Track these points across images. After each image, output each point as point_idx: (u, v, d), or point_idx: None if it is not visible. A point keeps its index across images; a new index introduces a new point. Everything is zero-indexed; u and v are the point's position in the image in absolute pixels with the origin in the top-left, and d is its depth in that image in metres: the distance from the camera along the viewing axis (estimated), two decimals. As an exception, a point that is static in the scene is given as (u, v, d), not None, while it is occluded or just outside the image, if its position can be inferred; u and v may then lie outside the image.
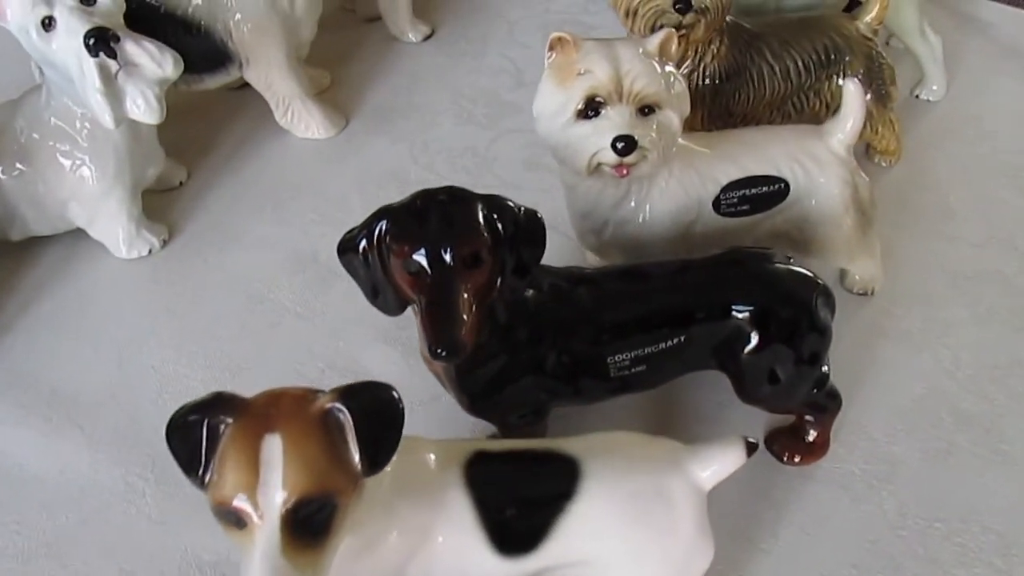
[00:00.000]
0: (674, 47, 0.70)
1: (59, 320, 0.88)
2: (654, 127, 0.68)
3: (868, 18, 0.91)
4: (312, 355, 0.84)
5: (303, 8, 0.98)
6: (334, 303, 0.89)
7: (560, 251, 0.88)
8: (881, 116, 0.95)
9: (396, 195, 0.94)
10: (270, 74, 1.00)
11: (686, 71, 0.88)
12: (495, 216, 0.58)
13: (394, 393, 0.49)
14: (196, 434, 0.47)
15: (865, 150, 0.99)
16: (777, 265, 0.68)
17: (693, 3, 0.81)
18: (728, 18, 0.87)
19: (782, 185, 0.78)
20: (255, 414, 0.47)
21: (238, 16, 0.95)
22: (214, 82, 1.01)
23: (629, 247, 0.78)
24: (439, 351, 0.57)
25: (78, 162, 0.87)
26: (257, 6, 0.95)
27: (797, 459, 0.74)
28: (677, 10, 0.81)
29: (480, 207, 0.58)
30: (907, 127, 1.02)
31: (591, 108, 0.68)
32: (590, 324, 0.65)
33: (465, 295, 0.56)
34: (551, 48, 0.70)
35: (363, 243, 0.58)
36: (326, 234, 0.94)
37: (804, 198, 0.79)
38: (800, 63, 0.90)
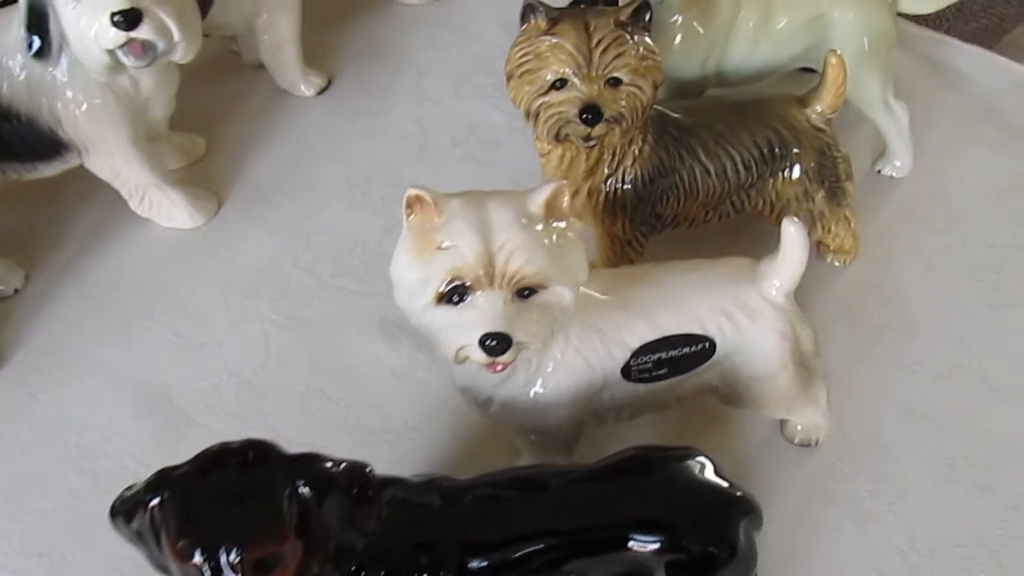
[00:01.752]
0: (566, 202, 0.56)
1: None
2: (535, 314, 0.54)
3: (820, 107, 0.77)
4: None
5: (151, 86, 0.81)
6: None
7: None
8: (834, 215, 0.81)
9: (269, 309, 0.82)
10: (115, 163, 0.83)
11: (604, 175, 0.74)
12: (303, 488, 0.44)
13: None
14: None
15: (816, 247, 0.86)
16: (692, 477, 0.56)
17: (605, 113, 0.66)
18: (655, 107, 0.73)
19: (707, 344, 0.64)
20: None
21: (68, 97, 0.78)
22: (51, 170, 0.84)
23: (522, 421, 0.65)
24: None
25: None
26: (89, 87, 0.78)
27: None
28: (584, 121, 0.66)
29: (283, 480, 0.44)
30: (866, 209, 0.88)
31: (456, 293, 0.53)
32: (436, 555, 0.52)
33: None
34: (408, 206, 0.55)
35: (136, 521, 0.45)
36: (181, 365, 0.79)
37: (734, 354, 0.65)
38: (739, 161, 0.76)
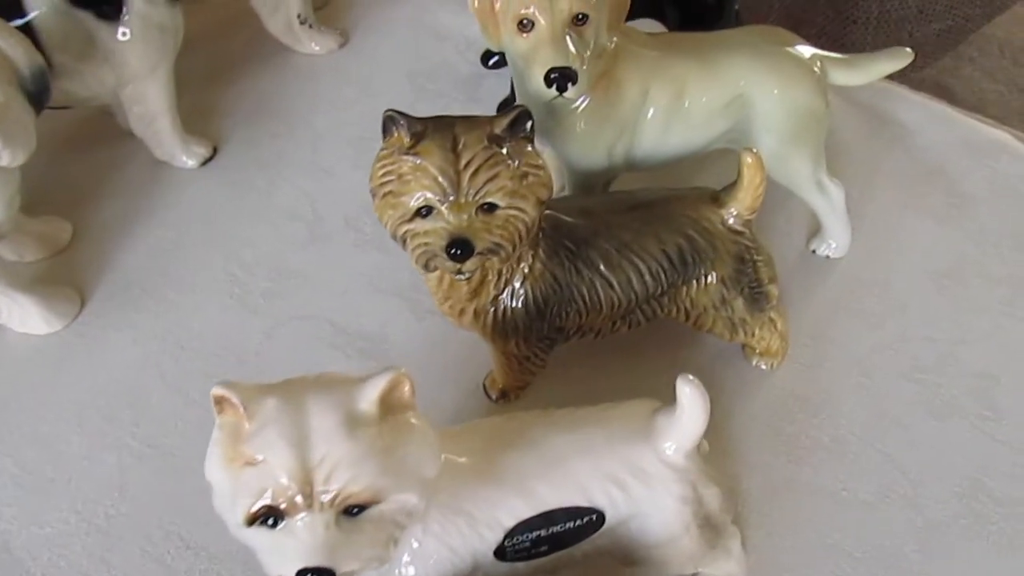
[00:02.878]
0: (407, 392, 0.47)
1: None
2: (368, 535, 0.45)
3: (736, 208, 0.69)
4: None
5: (-19, 189, 0.72)
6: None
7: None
8: (757, 320, 0.73)
9: (128, 435, 0.74)
10: (-54, 274, 0.74)
11: (490, 296, 0.66)
12: None
13: None
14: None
15: (741, 349, 0.78)
16: None
17: (476, 246, 0.57)
18: (547, 212, 0.65)
19: (594, 517, 0.56)
20: None
21: None
22: None
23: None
24: None
25: None
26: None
27: None
28: (453, 257, 0.58)
29: None
30: (799, 295, 0.81)
31: (270, 516, 0.44)
32: None
33: None
34: (216, 403, 0.47)
35: None
36: (25, 507, 0.70)
37: (629, 520, 0.57)
38: (646, 271, 0.68)
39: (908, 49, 0.78)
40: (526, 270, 0.64)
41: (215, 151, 0.94)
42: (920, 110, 0.98)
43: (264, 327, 0.80)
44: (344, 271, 0.84)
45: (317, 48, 1.03)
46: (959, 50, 2.24)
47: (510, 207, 0.58)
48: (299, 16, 0.99)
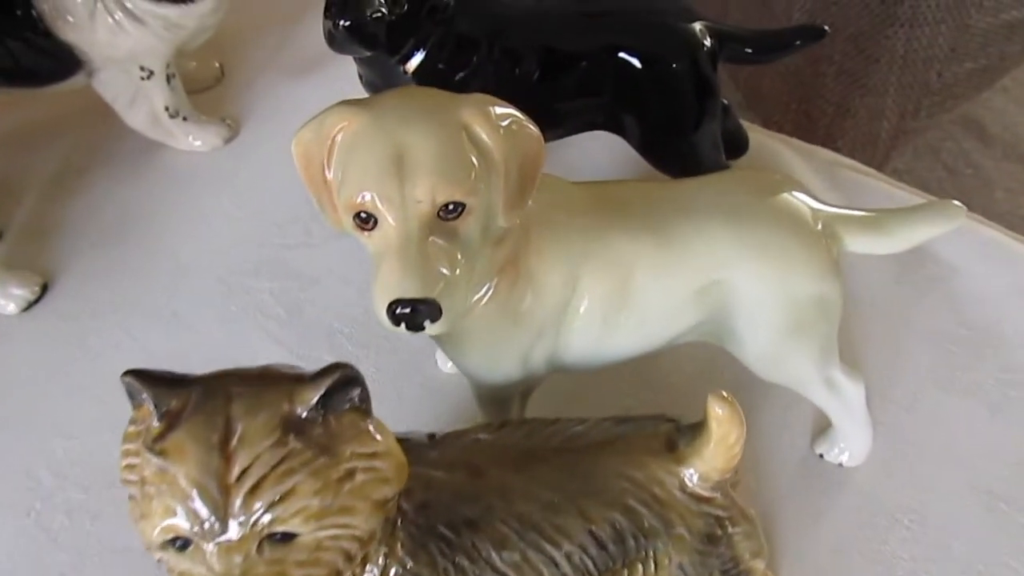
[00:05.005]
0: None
1: None
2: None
3: (704, 467, 0.47)
4: None
5: None
6: None
7: None
8: (734, 604, 0.52)
9: None
10: None
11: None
12: None
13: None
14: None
15: (714, 622, 0.56)
16: None
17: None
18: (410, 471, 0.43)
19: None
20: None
21: None
22: None
23: None
24: None
25: None
26: None
27: None
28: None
29: None
30: (793, 527, 0.59)
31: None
32: None
33: None
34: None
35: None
36: None
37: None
38: (565, 563, 0.46)
39: (958, 203, 0.55)
40: (385, 554, 0.43)
41: (44, 290, 0.73)
42: (969, 241, 0.75)
43: (64, 564, 0.59)
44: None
45: (197, 144, 0.82)
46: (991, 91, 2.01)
47: (321, 529, 0.37)
48: (167, 108, 0.78)
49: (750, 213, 0.51)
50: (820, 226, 0.52)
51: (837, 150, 1.75)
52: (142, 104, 0.77)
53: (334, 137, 0.41)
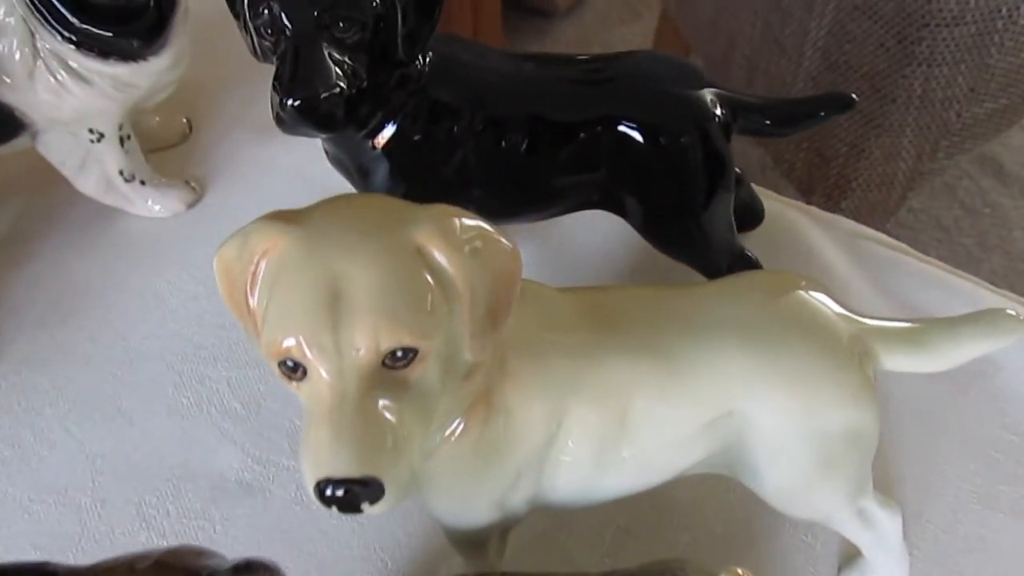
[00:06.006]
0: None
1: None
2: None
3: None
4: None
5: None
6: None
7: None
8: None
9: None
10: None
11: None
12: None
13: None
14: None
15: None
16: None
17: None
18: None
19: None
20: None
21: None
22: None
23: None
24: None
25: None
26: None
27: None
28: None
29: None
30: None
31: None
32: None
33: None
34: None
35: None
36: None
37: None
38: None
39: (1011, 311, 0.48)
40: None
41: (-24, 377, 0.66)
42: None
43: None
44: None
45: (157, 208, 0.74)
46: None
47: None
48: (121, 172, 0.71)
49: (770, 331, 0.43)
50: (852, 342, 0.44)
51: (851, 191, 1.66)
52: (93, 168, 0.69)
53: (258, 261, 0.34)
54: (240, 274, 0.34)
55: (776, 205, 0.74)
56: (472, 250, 0.35)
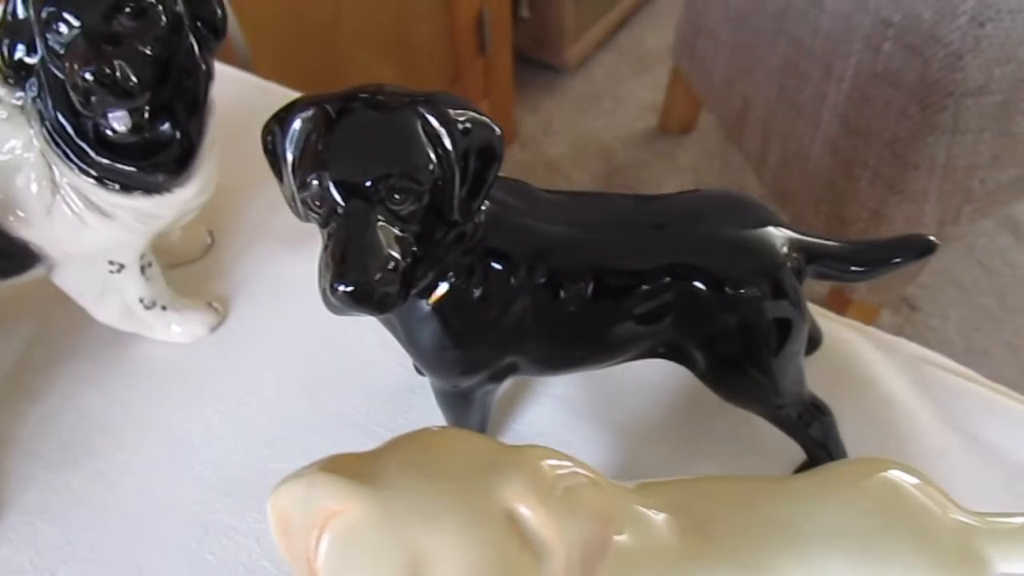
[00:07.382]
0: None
1: None
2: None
3: None
4: None
5: None
6: None
7: None
8: None
9: None
10: None
11: None
12: None
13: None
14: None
15: None
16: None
17: None
18: None
19: None
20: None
21: None
22: None
23: None
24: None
25: None
26: None
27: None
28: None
29: None
30: None
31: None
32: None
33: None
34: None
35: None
36: None
37: None
38: None
39: None
40: None
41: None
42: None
43: None
44: None
45: (178, 332, 0.70)
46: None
47: None
48: (142, 300, 0.67)
49: (880, 546, 0.39)
50: (964, 551, 0.40)
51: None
52: (112, 297, 0.65)
53: (323, 525, 0.29)
54: (303, 533, 0.30)
55: (835, 327, 0.70)
56: (565, 498, 0.31)
